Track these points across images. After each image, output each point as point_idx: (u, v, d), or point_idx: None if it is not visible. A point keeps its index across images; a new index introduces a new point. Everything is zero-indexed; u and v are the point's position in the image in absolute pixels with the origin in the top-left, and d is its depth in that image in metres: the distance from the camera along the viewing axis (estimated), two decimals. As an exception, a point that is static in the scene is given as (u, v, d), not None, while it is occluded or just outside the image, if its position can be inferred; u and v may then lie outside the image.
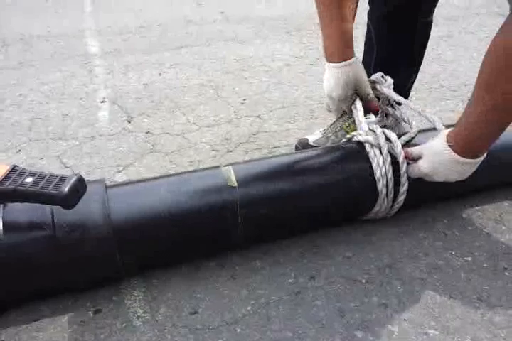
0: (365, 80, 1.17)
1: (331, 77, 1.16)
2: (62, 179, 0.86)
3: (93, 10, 3.48)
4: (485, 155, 0.98)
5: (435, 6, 1.33)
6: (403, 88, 1.44)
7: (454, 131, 0.97)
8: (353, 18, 1.18)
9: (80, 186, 0.87)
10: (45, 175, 0.87)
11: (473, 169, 1.00)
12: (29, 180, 0.85)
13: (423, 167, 1.01)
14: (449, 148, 0.96)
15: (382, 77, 1.21)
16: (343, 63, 1.14)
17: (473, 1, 3.26)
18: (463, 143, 0.95)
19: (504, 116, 0.90)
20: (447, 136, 0.98)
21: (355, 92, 1.18)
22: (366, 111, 1.18)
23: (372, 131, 1.09)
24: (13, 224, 0.88)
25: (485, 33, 2.53)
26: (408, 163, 1.05)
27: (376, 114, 1.26)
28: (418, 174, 1.04)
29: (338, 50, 1.15)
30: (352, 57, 1.15)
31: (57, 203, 0.86)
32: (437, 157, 0.99)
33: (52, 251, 0.89)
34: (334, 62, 1.15)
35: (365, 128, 1.11)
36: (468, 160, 0.96)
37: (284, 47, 2.49)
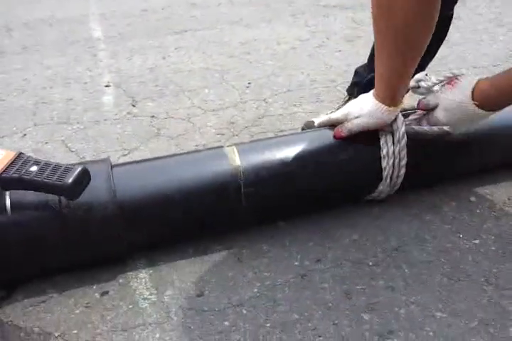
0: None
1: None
2: (67, 169, 0.85)
3: (96, -6, 3.44)
4: None
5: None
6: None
7: (487, 87, 0.96)
8: None
9: (84, 177, 0.87)
10: (50, 165, 0.86)
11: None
12: (34, 168, 0.85)
13: (441, 117, 1.03)
14: (474, 105, 0.97)
15: (426, 75, 1.12)
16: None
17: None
18: (495, 99, 0.96)
19: None
20: (473, 92, 0.97)
21: None
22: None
23: None
24: (20, 202, 0.88)
25: (493, 15, 2.48)
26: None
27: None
28: (435, 123, 1.04)
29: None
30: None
31: (61, 194, 0.86)
32: (459, 110, 1.00)
33: (59, 228, 0.89)
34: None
35: None
36: (488, 113, 0.98)
37: (290, 31, 2.46)
